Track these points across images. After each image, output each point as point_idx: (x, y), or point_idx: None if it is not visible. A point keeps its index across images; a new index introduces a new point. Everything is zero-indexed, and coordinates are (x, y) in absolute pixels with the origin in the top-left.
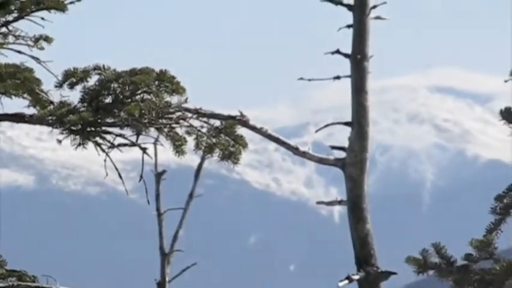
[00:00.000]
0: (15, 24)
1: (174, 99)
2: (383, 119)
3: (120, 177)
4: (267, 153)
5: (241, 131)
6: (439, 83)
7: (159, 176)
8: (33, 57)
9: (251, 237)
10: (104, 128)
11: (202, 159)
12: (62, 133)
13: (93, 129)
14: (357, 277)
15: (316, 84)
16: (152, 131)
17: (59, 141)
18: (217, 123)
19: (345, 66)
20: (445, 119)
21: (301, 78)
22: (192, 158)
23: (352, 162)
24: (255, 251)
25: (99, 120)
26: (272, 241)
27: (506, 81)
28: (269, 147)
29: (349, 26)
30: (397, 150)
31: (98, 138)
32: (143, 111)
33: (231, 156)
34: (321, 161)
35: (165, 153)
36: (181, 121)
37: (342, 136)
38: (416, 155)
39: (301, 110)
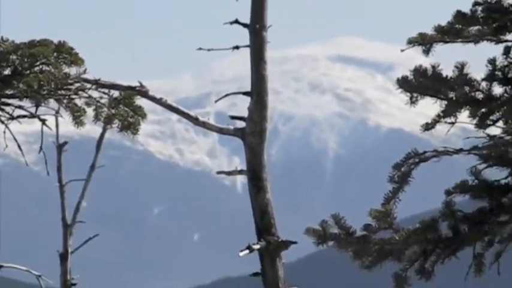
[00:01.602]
0: None
1: (73, 71)
2: (285, 89)
3: (20, 148)
4: (170, 123)
5: (141, 102)
6: (340, 52)
7: (60, 147)
8: None
9: (155, 208)
10: (3, 99)
11: (104, 130)
12: None
13: None
14: (257, 246)
15: (219, 55)
16: (52, 103)
17: None
18: (116, 94)
19: (246, 37)
20: (346, 88)
21: (200, 49)
22: (94, 130)
23: (252, 132)
24: (159, 221)
25: None
26: (176, 211)
27: (403, 50)
28: (172, 118)
29: None
30: (299, 120)
31: None
32: (42, 83)
33: (130, 126)
34: (220, 131)
35: (69, 126)
36: (80, 92)
37: (245, 106)
38: (318, 124)
39: (204, 81)
